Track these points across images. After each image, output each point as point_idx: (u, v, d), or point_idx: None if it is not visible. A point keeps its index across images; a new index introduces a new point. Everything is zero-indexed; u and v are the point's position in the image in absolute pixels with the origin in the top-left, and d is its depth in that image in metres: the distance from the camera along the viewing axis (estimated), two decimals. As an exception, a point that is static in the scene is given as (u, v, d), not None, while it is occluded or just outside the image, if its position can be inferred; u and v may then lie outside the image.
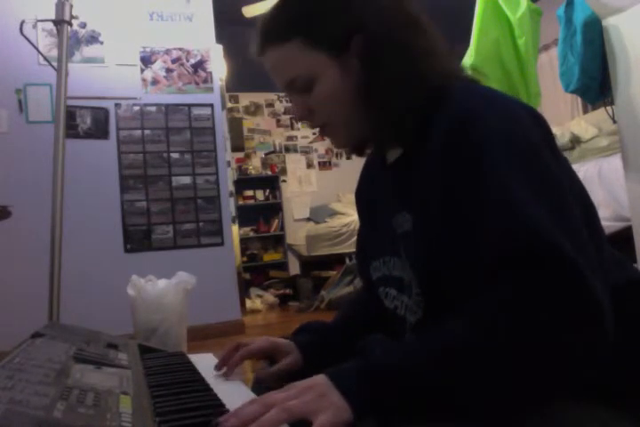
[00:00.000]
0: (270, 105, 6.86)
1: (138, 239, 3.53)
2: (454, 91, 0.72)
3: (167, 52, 3.71)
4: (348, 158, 6.90)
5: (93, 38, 3.52)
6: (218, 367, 0.83)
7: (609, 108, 2.39)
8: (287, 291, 5.55)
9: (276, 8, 0.80)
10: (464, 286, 0.62)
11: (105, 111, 3.52)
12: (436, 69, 0.75)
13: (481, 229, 0.61)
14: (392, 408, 0.55)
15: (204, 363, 0.86)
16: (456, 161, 0.65)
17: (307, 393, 0.54)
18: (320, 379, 0.56)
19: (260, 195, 6.50)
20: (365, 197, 0.95)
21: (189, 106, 3.72)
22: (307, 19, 0.76)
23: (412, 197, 0.73)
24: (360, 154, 0.90)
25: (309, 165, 6.89)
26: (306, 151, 6.91)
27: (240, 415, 0.51)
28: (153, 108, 3.64)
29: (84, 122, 3.47)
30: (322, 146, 6.94)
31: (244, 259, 5.85)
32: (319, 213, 6.36)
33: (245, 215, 6.05)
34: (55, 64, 2.18)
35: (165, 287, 2.63)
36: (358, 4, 0.75)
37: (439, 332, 0.58)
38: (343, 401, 0.53)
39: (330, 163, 6.96)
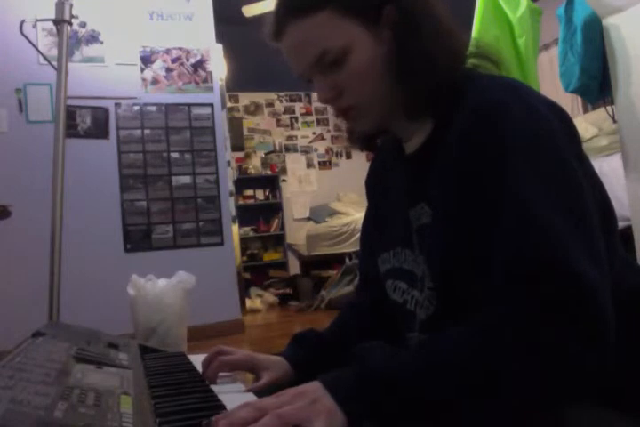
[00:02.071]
0: (270, 105, 6.85)
1: (138, 239, 3.53)
2: (480, 78, 0.71)
3: (167, 51, 3.71)
4: (348, 158, 6.91)
5: (93, 38, 3.52)
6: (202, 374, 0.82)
7: (609, 107, 2.39)
8: (287, 290, 5.55)
9: None
10: (477, 284, 0.61)
11: (105, 111, 3.52)
12: (461, 42, 0.76)
13: (498, 232, 0.60)
14: (389, 413, 0.54)
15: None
16: (478, 158, 0.64)
17: (299, 399, 0.53)
18: (313, 385, 0.56)
19: (259, 194, 6.50)
20: (378, 187, 0.93)
21: (189, 105, 3.71)
22: None
23: (433, 189, 0.71)
24: (371, 147, 0.89)
25: (309, 165, 6.89)
26: (306, 151, 6.90)
27: (232, 419, 0.51)
28: (153, 108, 3.64)
29: (84, 121, 3.47)
30: (322, 146, 6.94)
31: (244, 258, 5.85)
32: (319, 213, 6.36)
33: (245, 215, 6.04)
34: (55, 64, 2.17)
35: (165, 287, 2.63)
36: None
37: (443, 340, 0.58)
38: (336, 407, 0.53)
39: (330, 162, 6.95)
